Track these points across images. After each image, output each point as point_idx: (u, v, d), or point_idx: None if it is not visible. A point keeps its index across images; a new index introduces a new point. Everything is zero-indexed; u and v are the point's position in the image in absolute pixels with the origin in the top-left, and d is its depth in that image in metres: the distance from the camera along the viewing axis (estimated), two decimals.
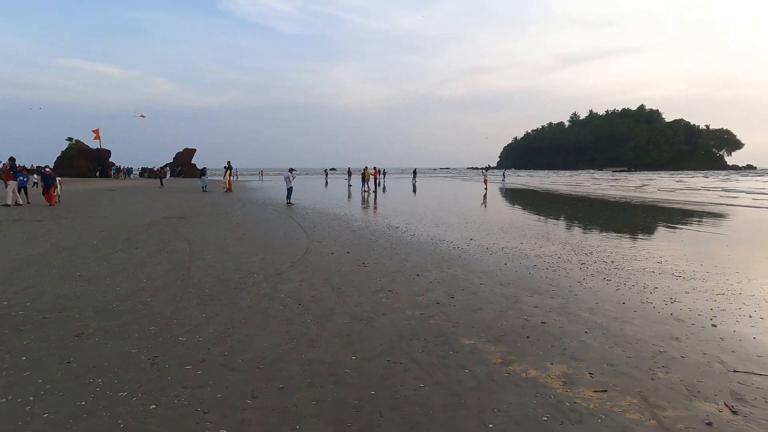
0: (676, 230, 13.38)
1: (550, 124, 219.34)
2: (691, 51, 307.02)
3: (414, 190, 37.08)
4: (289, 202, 20.41)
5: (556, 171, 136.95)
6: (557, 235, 11.71)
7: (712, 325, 5.06)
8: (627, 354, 4.27)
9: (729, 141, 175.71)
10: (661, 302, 5.91)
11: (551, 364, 4.04)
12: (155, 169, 60.52)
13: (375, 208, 19.89)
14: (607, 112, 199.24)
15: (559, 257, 8.82)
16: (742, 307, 5.76)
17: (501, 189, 38.73)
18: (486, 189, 35.71)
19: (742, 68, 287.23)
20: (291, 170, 21.97)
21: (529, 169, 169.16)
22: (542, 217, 16.66)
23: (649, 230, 13.61)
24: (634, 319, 5.23)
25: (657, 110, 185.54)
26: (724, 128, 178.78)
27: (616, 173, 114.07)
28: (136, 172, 65.87)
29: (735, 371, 3.93)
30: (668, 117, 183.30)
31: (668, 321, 5.20)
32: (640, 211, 20.02)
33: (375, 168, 32.23)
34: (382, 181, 53.33)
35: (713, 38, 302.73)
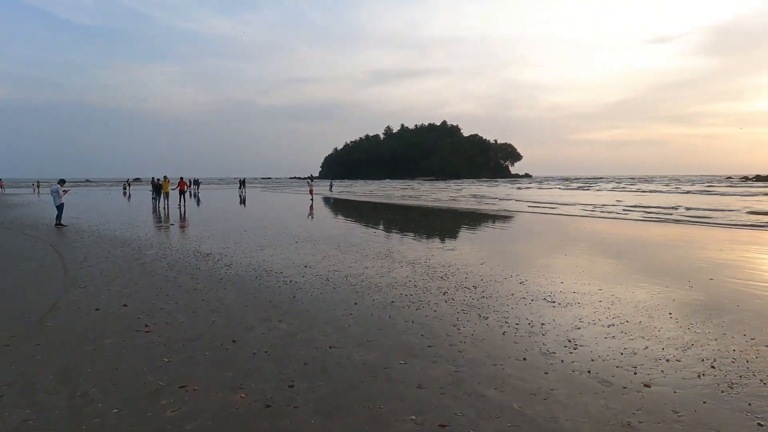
0: (513, 238, 13.29)
1: (367, 136, 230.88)
2: (478, 76, 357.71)
3: (242, 202, 33.32)
4: (59, 223, 15.35)
5: (376, 180, 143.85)
6: (400, 253, 10.27)
7: (645, 386, 3.78)
8: None
9: (512, 153, 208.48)
10: (565, 350, 4.54)
11: None
12: None
13: (182, 227, 16.23)
14: (416, 126, 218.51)
15: (415, 285, 7.20)
16: (650, 342, 4.73)
17: (329, 200, 37.36)
18: (312, 200, 33.96)
19: (515, 94, 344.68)
20: (61, 182, 16.71)
21: (350, 179, 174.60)
22: (379, 231, 15.34)
23: (489, 240, 13.22)
24: (555, 391, 3.66)
25: (457, 126, 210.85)
26: (508, 142, 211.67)
27: (427, 182, 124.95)
28: None
29: None
30: (465, 132, 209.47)
31: (593, 386, 3.76)
32: (474, 218, 20.41)
33: (180, 178, 27.32)
34: (196, 192, 47.70)
35: (492, 68, 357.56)
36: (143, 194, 43.20)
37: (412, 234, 14.41)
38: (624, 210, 23.64)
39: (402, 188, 66.24)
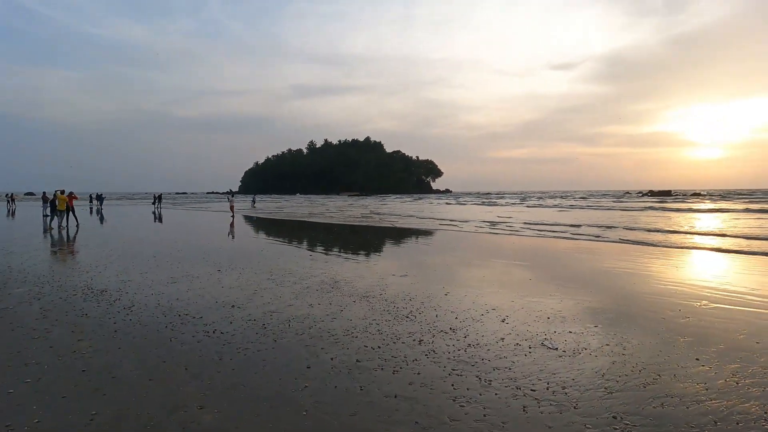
0: (464, 260, 12.18)
1: (290, 150, 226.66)
2: (399, 95, 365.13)
3: (158, 219, 29.80)
4: None
5: (300, 195, 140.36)
6: (348, 282, 8.70)
7: None
8: None
9: (433, 170, 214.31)
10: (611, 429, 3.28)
11: None
12: None
13: (72, 252, 13.41)
14: (339, 141, 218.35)
15: (380, 331, 5.68)
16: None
17: (252, 217, 34.65)
18: (233, 217, 31.27)
19: (434, 112, 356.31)
20: None
21: (272, 193, 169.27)
22: (315, 254, 13.55)
23: (440, 262, 11.98)
24: None
25: (380, 142, 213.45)
26: (429, 159, 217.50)
27: (352, 197, 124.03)
28: None
29: None
30: (389, 148, 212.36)
31: None
32: (410, 235, 19.22)
33: (71, 193, 23.18)
34: (99, 208, 42.57)
35: (413, 87, 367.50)
36: (33, 210, 37.68)
37: (352, 255, 12.83)
38: (523, 227, 23.82)
39: (326, 203, 64.34)
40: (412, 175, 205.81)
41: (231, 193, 52.93)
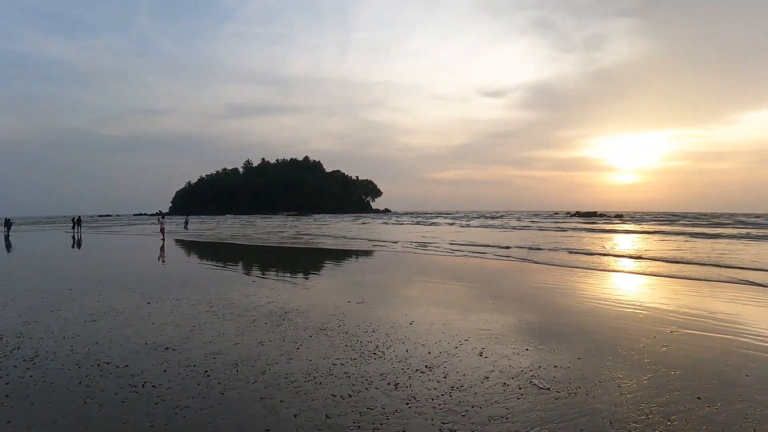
0: (409, 282, 11.57)
1: (225, 170, 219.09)
2: (337, 115, 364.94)
3: (77, 245, 26.94)
4: None
5: (238, 215, 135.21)
6: (300, 312, 7.81)
7: None
8: None
9: (373, 189, 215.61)
10: None
11: None
12: None
13: None
14: (277, 161, 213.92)
15: (346, 373, 4.86)
16: None
17: (184, 241, 32.32)
18: (163, 240, 29.02)
19: (373, 134, 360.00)
20: None
21: (207, 214, 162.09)
22: (260, 280, 12.40)
23: (390, 286, 11.29)
24: None
25: (319, 162, 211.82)
26: (369, 179, 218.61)
27: (291, 216, 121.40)
28: None
29: None
30: (328, 168, 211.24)
31: None
32: (352, 257, 18.41)
33: None
34: (6, 234, 38.19)
35: (351, 108, 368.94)
36: None
37: (299, 280, 11.83)
38: (453, 248, 24.00)
39: (264, 224, 61.98)
40: (352, 195, 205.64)
41: (161, 214, 49.52)
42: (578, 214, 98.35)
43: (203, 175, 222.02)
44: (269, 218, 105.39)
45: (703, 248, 21.21)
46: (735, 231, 36.08)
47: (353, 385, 4.57)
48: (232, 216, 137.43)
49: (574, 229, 42.07)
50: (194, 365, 5.14)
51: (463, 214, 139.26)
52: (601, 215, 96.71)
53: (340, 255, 19.70)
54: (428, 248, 22.28)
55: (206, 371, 4.95)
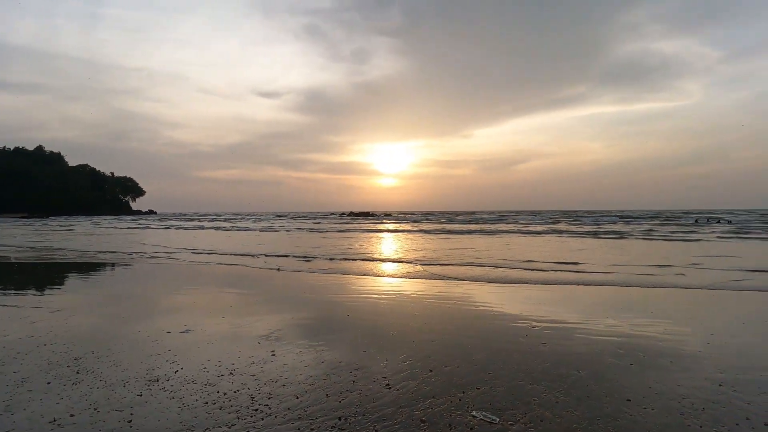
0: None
1: None
2: (82, 101, 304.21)
3: None
4: None
5: None
6: (97, 356, 5.10)
7: None
8: None
9: (133, 188, 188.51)
10: None
11: None
12: None
13: None
14: None
15: None
16: None
17: None
18: None
19: (130, 126, 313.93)
20: None
21: None
22: (16, 299, 8.21)
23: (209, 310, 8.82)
24: None
25: (59, 153, 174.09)
26: (128, 176, 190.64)
27: (19, 220, 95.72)
28: None
29: None
30: (73, 162, 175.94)
31: None
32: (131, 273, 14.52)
33: None
34: None
35: (101, 95, 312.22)
36: None
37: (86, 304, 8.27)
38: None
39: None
40: (105, 193, 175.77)
41: None
42: (352, 214, 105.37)
43: None
44: None
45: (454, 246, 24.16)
46: (477, 227, 43.03)
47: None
48: None
49: (365, 230, 43.88)
50: None
51: (238, 214, 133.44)
52: (373, 214, 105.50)
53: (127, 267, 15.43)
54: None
55: None
